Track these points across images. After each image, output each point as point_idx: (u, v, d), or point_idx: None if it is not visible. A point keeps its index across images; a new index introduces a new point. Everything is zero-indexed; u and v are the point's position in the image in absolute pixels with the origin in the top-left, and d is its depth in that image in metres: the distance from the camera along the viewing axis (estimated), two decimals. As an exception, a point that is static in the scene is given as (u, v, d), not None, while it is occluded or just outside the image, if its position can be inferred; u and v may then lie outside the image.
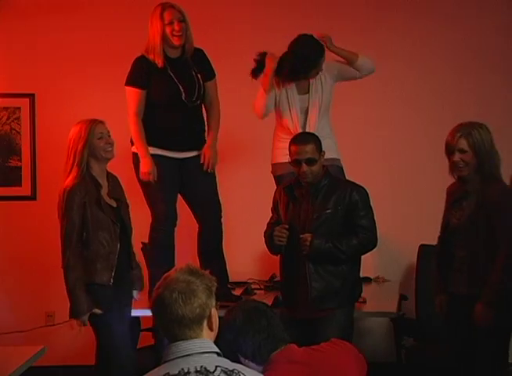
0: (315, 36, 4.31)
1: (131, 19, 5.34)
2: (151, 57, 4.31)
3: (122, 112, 4.41)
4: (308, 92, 4.37)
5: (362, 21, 5.40)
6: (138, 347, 4.38)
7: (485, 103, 5.35)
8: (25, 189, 5.41)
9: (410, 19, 5.43)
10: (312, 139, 3.86)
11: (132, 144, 4.39)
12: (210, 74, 4.46)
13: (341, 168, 4.42)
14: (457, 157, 3.54)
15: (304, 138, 3.89)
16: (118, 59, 5.30)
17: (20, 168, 5.43)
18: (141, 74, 4.32)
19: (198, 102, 4.37)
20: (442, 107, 5.24)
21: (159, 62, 4.29)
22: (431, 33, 5.41)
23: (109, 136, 3.79)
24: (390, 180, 5.32)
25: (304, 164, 3.74)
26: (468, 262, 3.55)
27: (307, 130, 4.30)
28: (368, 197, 3.89)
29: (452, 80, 5.39)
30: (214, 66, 4.50)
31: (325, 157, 4.21)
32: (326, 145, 4.32)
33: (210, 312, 2.15)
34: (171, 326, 2.12)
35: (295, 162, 3.79)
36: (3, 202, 5.40)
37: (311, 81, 4.37)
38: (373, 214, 3.88)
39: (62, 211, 3.64)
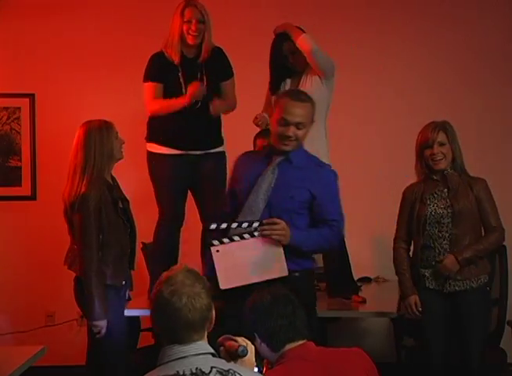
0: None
1: (131, 19, 5.35)
2: (168, 52, 4.29)
3: (122, 112, 4.41)
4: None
5: (362, 22, 5.41)
6: (138, 347, 4.39)
7: (486, 103, 5.37)
8: (25, 189, 5.42)
9: (411, 20, 5.44)
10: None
11: (147, 141, 4.37)
12: (226, 74, 4.40)
13: None
14: (437, 149, 3.69)
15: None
16: (118, 59, 5.32)
17: (20, 168, 5.43)
18: (157, 69, 4.29)
19: (199, 104, 4.33)
20: (443, 107, 5.24)
21: (175, 59, 4.26)
22: (431, 33, 5.42)
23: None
24: (390, 180, 5.31)
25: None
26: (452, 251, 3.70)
27: None
28: None
29: (452, 80, 5.40)
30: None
31: None
32: (314, 148, 4.31)
33: (212, 314, 2.16)
34: (178, 330, 2.10)
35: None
36: (3, 202, 5.40)
37: (302, 78, 4.35)
38: None
39: (79, 218, 3.60)
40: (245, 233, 3.25)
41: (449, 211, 3.70)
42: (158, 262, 4.27)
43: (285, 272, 3.27)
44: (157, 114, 4.29)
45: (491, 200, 3.76)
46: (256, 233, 3.25)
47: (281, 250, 3.27)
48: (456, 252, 3.68)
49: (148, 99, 4.31)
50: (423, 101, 5.36)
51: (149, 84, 4.31)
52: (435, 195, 3.76)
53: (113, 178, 3.82)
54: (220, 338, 2.28)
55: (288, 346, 2.50)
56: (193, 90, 4.16)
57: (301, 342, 2.52)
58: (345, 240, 4.42)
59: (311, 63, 4.24)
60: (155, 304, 2.14)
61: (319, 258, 4.63)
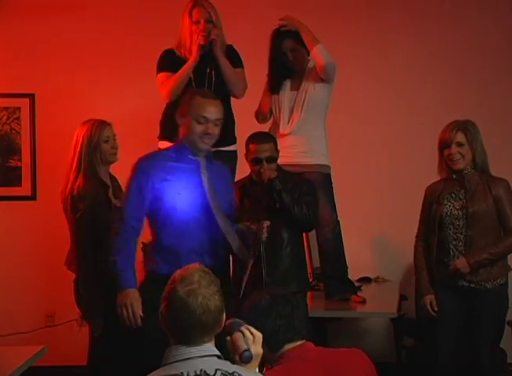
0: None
1: (132, 19, 5.35)
2: (181, 52, 4.28)
3: (122, 112, 4.41)
4: (299, 89, 4.34)
5: (362, 21, 5.41)
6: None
7: (487, 103, 5.36)
8: (25, 189, 5.41)
9: (411, 20, 5.44)
10: (271, 137, 3.89)
11: (160, 139, 4.31)
12: (234, 63, 4.36)
13: (328, 175, 4.36)
14: (454, 149, 3.66)
15: (263, 136, 3.88)
16: (119, 59, 5.32)
17: (20, 168, 5.43)
18: (169, 61, 4.27)
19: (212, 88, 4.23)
20: (442, 108, 5.24)
21: (189, 56, 4.25)
22: (432, 33, 5.42)
23: (115, 140, 3.81)
24: (390, 180, 5.32)
25: (264, 163, 3.76)
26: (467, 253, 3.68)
27: (289, 126, 4.29)
28: (315, 187, 3.95)
29: (452, 80, 5.40)
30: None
31: (310, 162, 4.21)
32: (314, 149, 4.31)
33: (223, 317, 2.16)
34: (190, 330, 2.09)
35: (255, 160, 3.78)
36: (3, 202, 5.39)
37: (304, 77, 4.34)
38: (317, 206, 3.90)
39: (72, 216, 3.63)
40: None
41: (464, 212, 3.68)
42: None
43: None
44: (174, 92, 4.20)
45: (511, 201, 3.70)
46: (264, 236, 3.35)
47: None
48: (468, 255, 3.66)
49: (161, 86, 4.28)
50: (423, 101, 5.36)
51: (162, 74, 4.29)
52: (453, 195, 3.74)
53: (113, 178, 3.83)
54: (227, 322, 2.26)
55: (287, 346, 2.50)
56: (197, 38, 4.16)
57: (299, 342, 2.52)
58: (344, 240, 4.43)
59: (320, 73, 4.24)
60: (169, 303, 2.11)
61: (316, 259, 4.64)
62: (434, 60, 5.40)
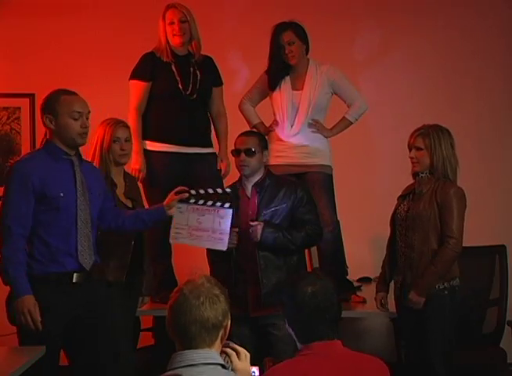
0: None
1: (131, 19, 5.36)
2: (159, 53, 4.35)
3: (123, 112, 4.39)
4: (303, 88, 4.33)
5: (362, 20, 5.42)
6: (138, 347, 4.38)
7: (486, 102, 5.37)
8: (25, 189, 5.41)
9: (412, 19, 5.45)
10: (257, 134, 3.95)
11: (143, 139, 4.37)
12: (218, 80, 4.48)
13: (330, 176, 4.37)
14: (412, 153, 3.75)
15: (248, 131, 3.98)
16: (119, 59, 5.32)
17: (20, 168, 5.43)
18: (146, 67, 4.33)
19: (195, 96, 4.32)
20: (444, 107, 5.24)
21: (167, 59, 4.32)
22: (430, 32, 5.43)
23: (127, 142, 3.83)
24: (390, 180, 5.31)
25: (242, 154, 3.77)
26: (408, 255, 3.72)
27: (294, 126, 4.30)
28: (311, 193, 3.96)
29: (451, 79, 5.40)
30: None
31: (313, 162, 4.19)
32: (317, 149, 4.31)
33: (227, 323, 2.17)
34: (191, 329, 2.11)
35: (235, 152, 3.82)
36: (3, 202, 5.39)
37: (307, 77, 4.33)
38: (316, 208, 3.92)
39: None
40: (209, 201, 3.55)
41: (408, 214, 3.72)
42: (153, 261, 4.29)
43: (224, 247, 3.56)
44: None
45: (455, 208, 3.63)
46: (218, 204, 3.56)
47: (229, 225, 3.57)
48: (415, 286, 3.64)
49: (133, 102, 4.34)
50: (423, 101, 5.37)
51: (136, 83, 4.35)
52: (406, 197, 3.80)
53: (130, 179, 3.87)
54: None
55: (315, 343, 2.48)
56: None
57: (327, 340, 2.49)
58: (344, 240, 4.43)
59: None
60: (173, 301, 2.16)
61: (315, 259, 4.64)
62: (431, 59, 5.41)
